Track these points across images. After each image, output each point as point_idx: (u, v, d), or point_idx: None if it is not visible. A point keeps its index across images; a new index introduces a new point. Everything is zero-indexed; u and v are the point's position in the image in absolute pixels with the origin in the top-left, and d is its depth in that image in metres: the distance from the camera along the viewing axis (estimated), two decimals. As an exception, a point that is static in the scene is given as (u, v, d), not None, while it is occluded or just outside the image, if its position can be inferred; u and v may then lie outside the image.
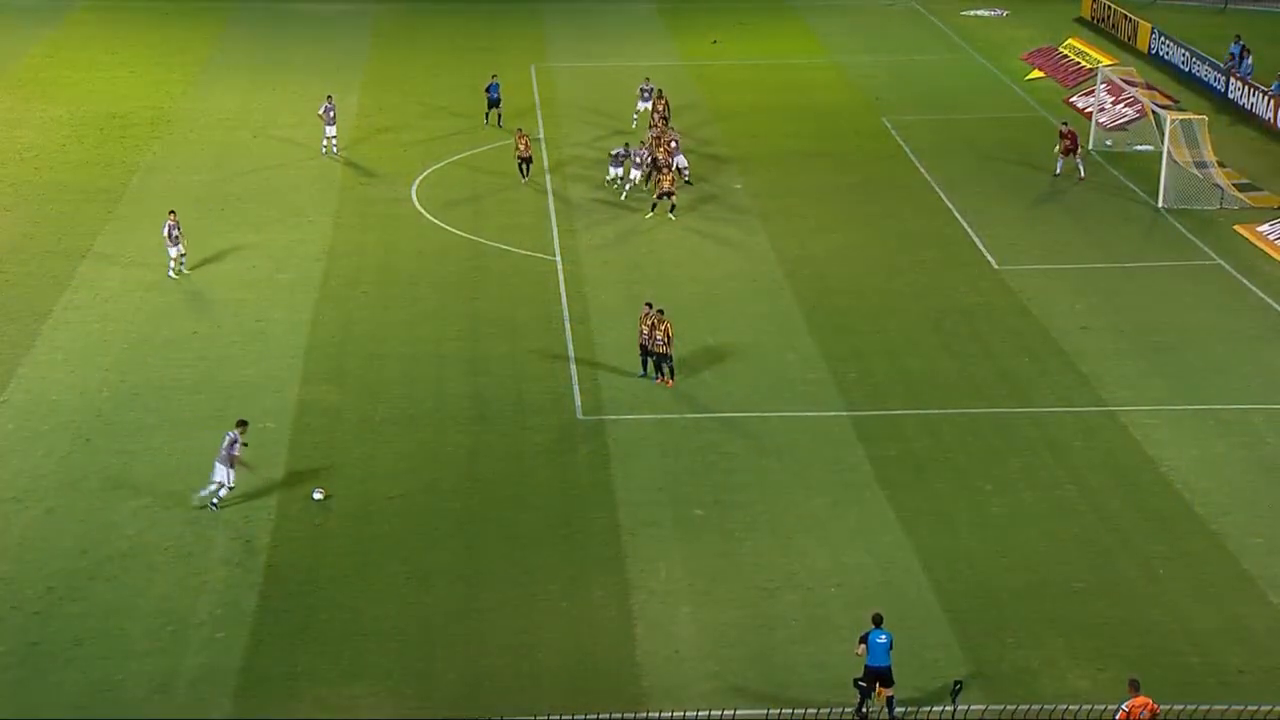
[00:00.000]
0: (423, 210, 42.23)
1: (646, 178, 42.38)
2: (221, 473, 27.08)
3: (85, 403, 31.04)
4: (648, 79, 49.21)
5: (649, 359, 31.77)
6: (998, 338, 34.22)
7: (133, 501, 27.50)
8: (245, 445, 27.33)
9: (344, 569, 25.74)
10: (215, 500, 27.14)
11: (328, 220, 41.33)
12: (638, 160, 42.63)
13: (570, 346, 33.57)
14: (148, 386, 31.75)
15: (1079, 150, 43.97)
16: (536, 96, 52.34)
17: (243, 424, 27.66)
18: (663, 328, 31.40)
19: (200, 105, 51.86)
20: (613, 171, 42.91)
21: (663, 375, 31.63)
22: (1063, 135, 44.40)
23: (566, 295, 36.37)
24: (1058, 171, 44.04)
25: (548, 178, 44.62)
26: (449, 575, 25.51)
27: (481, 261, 38.64)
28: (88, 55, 58.42)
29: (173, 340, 33.98)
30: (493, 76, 50.17)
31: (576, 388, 31.74)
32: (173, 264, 36.99)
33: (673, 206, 40.82)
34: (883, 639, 21.99)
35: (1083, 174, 43.85)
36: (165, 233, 36.94)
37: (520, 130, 44.75)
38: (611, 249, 39.47)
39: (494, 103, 48.96)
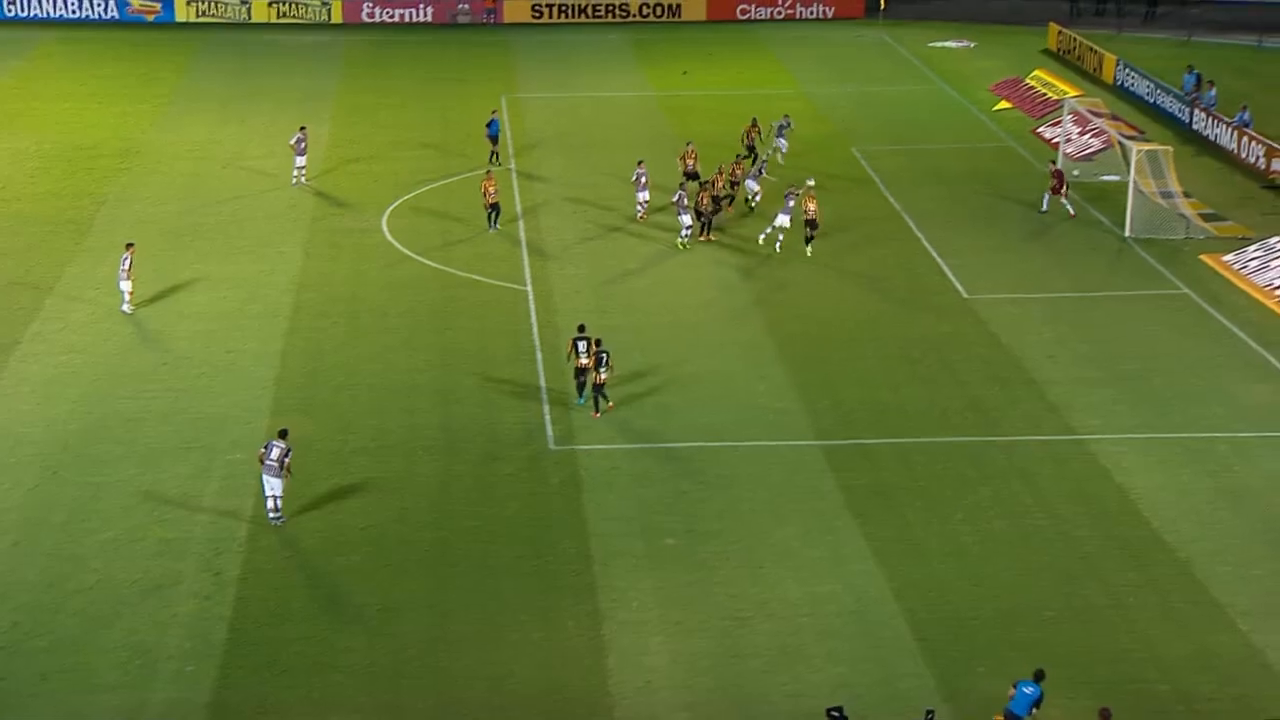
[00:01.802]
0: (393, 241, 42.22)
1: (708, 217, 41.58)
2: (274, 485, 27.25)
3: (52, 435, 30.85)
4: (786, 116, 48.98)
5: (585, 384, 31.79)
6: (967, 366, 34.41)
7: (100, 534, 27.33)
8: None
9: (314, 601, 25.63)
10: (279, 515, 27.38)
11: (298, 251, 41.28)
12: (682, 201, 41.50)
13: (542, 377, 33.58)
14: (116, 418, 31.59)
15: (1065, 189, 44.24)
16: (508, 128, 52.45)
17: (284, 433, 27.75)
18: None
19: (169, 136, 51.78)
20: (782, 220, 40.67)
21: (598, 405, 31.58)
22: (1051, 174, 44.80)
23: (538, 325, 36.40)
24: (1043, 209, 44.31)
25: (519, 208, 44.68)
26: (419, 606, 25.43)
27: (453, 292, 38.64)
28: (56, 86, 58.29)
29: (141, 372, 33.84)
30: (492, 113, 50.09)
31: (548, 418, 31.74)
32: (127, 299, 36.68)
33: (705, 227, 41.18)
34: (1029, 690, 21.54)
35: (1072, 212, 44.03)
36: (124, 267, 36.49)
37: (490, 172, 43.80)
38: (584, 279, 39.54)
39: (494, 140, 48.35)
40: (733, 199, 43.86)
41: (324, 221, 43.73)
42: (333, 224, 43.55)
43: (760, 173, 44.54)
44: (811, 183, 42.86)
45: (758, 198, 43.73)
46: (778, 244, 40.76)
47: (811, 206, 40.57)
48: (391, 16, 71.04)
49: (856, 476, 29.46)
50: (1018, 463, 30.01)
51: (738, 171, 44.29)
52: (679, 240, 41.16)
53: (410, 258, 40.96)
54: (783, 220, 40.78)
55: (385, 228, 43.26)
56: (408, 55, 64.71)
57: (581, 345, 31.66)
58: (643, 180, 43.12)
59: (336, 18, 70.55)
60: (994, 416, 32.01)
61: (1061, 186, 44.19)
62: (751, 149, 47.23)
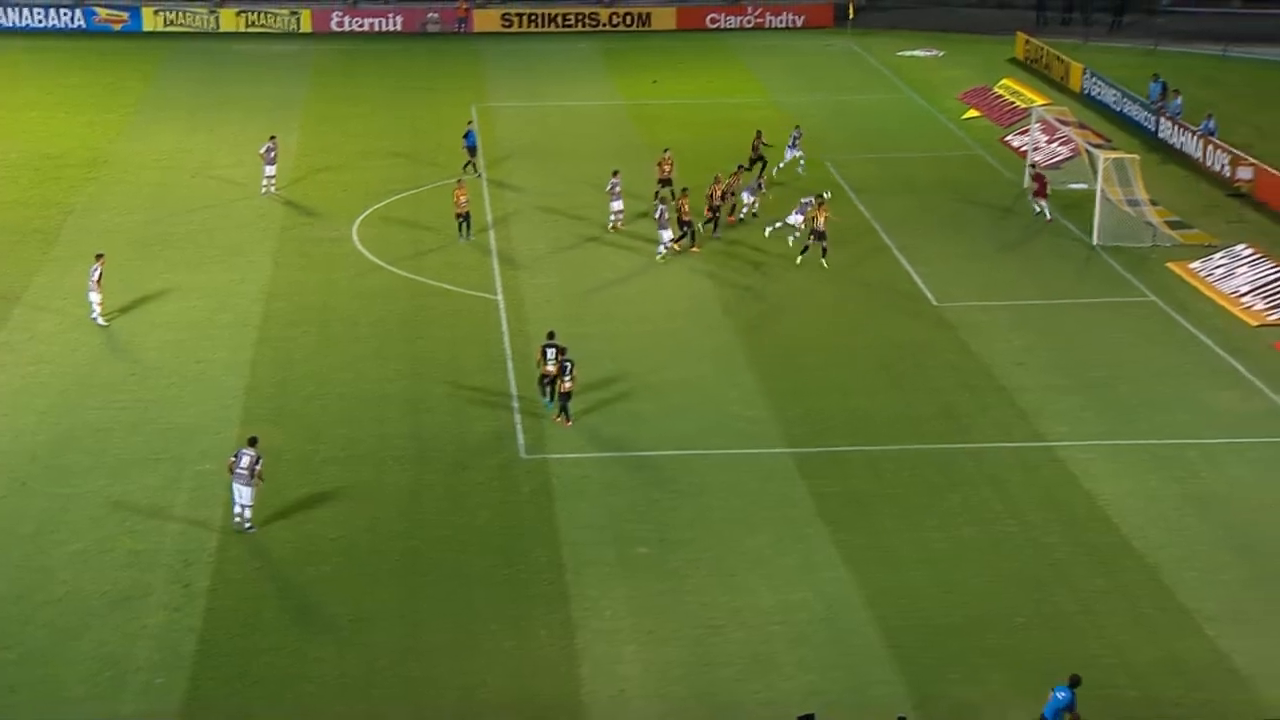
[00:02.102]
0: (363, 250, 42.15)
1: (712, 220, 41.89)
2: (245, 494, 27.17)
3: (20, 446, 30.67)
4: (797, 127, 48.90)
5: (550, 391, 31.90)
6: (937, 374, 34.58)
7: (69, 546, 27.17)
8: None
9: (285, 611, 25.55)
10: (250, 524, 27.29)
11: (267, 260, 41.16)
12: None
13: (513, 385, 33.58)
14: (84, 429, 31.43)
15: (1047, 194, 44.67)
16: (478, 137, 52.39)
17: (254, 440, 27.67)
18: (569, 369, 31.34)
19: (136, 145, 51.58)
20: (794, 219, 41.19)
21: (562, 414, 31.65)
22: (1034, 179, 45.17)
23: (509, 334, 36.39)
24: (1036, 212, 44.62)
25: (489, 218, 44.69)
26: (391, 616, 25.38)
27: (423, 301, 38.60)
28: (22, 95, 57.98)
29: (109, 382, 33.68)
30: (469, 123, 49.84)
31: (519, 427, 31.74)
32: (97, 309, 36.52)
33: (690, 236, 41.12)
34: (1061, 695, 21.58)
35: (1049, 216, 44.36)
36: (93, 277, 36.36)
37: (461, 182, 43.66)
38: (555, 288, 39.57)
39: (472, 151, 48.24)
40: (733, 208, 43.83)
41: (294, 231, 43.63)
42: (303, 233, 43.45)
43: (759, 186, 44.29)
44: (828, 195, 42.56)
45: (755, 210, 43.54)
46: (800, 258, 40.40)
47: (823, 218, 40.36)
48: (361, 26, 70.97)
49: (828, 484, 29.56)
50: (987, 469, 30.18)
51: (735, 183, 44.25)
52: (658, 254, 41.15)
53: (381, 267, 40.90)
54: (795, 219, 40.98)
55: (355, 237, 43.18)
56: (377, 64, 64.64)
57: (550, 352, 31.73)
58: (617, 190, 43.19)
59: (306, 27, 70.45)
60: (964, 424, 32.18)
61: (1044, 190, 44.57)
62: (756, 161, 47.00)
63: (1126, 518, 28.41)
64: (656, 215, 41.34)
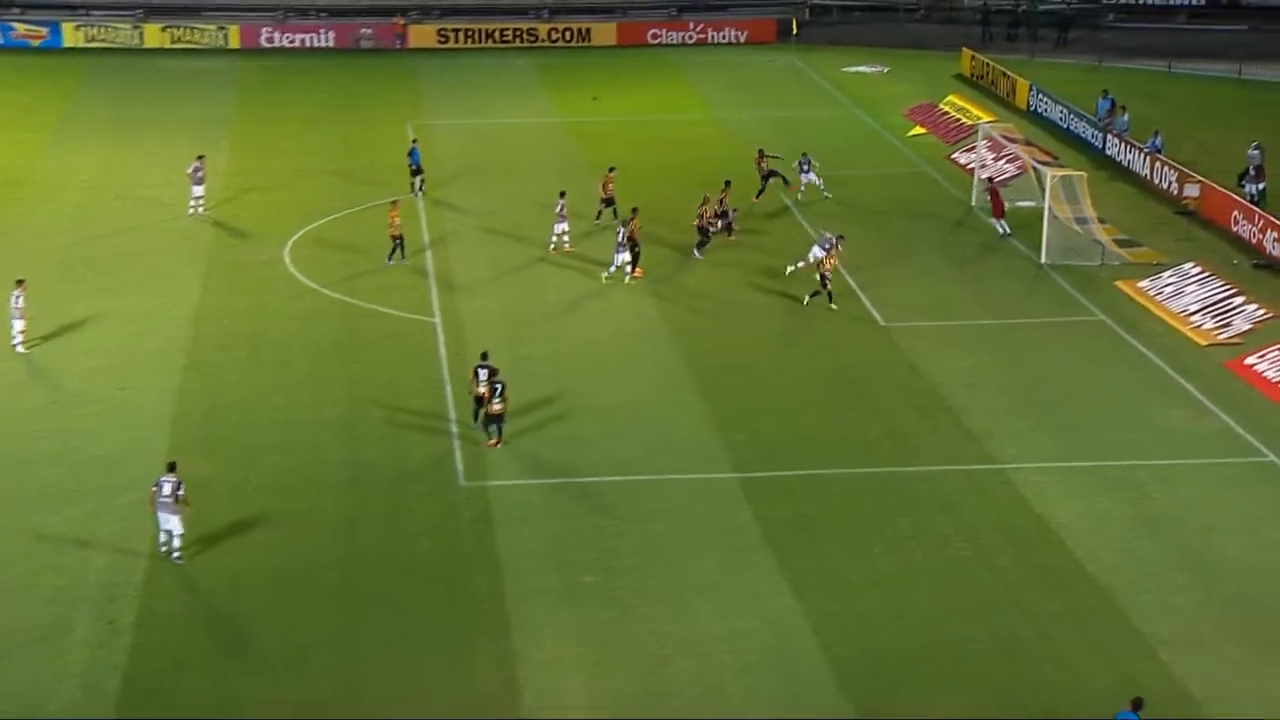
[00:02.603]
0: (295, 272, 41.88)
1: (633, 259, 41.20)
2: (172, 522, 26.84)
3: (-64, 477, 30.17)
4: (805, 154, 48.76)
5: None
6: (886, 395, 34.77)
7: (-13, 581, 26.73)
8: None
9: (215, 646, 25.24)
10: (178, 554, 26.97)
11: (195, 283, 40.80)
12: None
13: (451, 410, 33.43)
14: (3, 460, 30.96)
15: (1004, 212, 45.20)
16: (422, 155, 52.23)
17: (173, 466, 27.42)
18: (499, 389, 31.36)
19: (58, 165, 51.04)
20: (816, 254, 40.08)
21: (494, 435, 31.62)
22: (988, 193, 45.87)
23: (447, 357, 36.25)
24: (1001, 233, 45.00)
25: (426, 239, 44.53)
26: (327, 649, 25.13)
27: (358, 324, 38.38)
28: (-63, 114, 57.28)
29: (30, 410, 33.21)
30: (413, 141, 49.49)
31: (458, 452, 31.59)
32: (19, 337, 36.02)
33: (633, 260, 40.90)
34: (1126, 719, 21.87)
35: (1007, 231, 44.85)
36: (16, 304, 35.87)
37: (395, 202, 43.33)
38: (495, 309, 39.47)
39: (416, 170, 48.00)
40: (730, 228, 43.84)
41: (223, 253, 43.27)
42: (232, 255, 43.11)
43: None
44: (843, 242, 41.05)
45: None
46: (830, 302, 39.29)
47: (830, 264, 39.48)
48: (292, 41, 70.66)
49: (775, 509, 29.61)
50: (938, 492, 30.35)
51: (725, 201, 44.22)
52: (606, 275, 41.08)
53: (314, 290, 40.63)
54: (816, 254, 40.15)
55: (287, 259, 42.89)
56: (309, 81, 64.37)
57: (482, 373, 31.70)
58: (563, 211, 43.20)
59: (234, 43, 70.04)
60: (913, 446, 32.36)
61: (1001, 209, 45.02)
62: (768, 177, 46.95)
63: (1079, 540, 28.64)
64: (619, 237, 41.13)
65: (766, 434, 32.77)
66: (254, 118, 58.09)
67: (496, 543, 28.24)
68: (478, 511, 29.33)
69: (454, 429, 32.57)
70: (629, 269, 41.04)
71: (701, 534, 28.75)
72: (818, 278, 39.68)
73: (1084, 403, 34.56)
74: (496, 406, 31.40)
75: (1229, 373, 36.22)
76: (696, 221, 43.00)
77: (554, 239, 43.28)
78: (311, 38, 70.86)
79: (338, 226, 45.77)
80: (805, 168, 48.57)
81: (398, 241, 42.17)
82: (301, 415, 33.24)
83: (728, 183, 45.21)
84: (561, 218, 43.18)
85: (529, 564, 27.58)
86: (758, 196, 47.25)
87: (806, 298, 39.64)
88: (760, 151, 48.35)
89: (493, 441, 31.56)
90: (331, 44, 70.86)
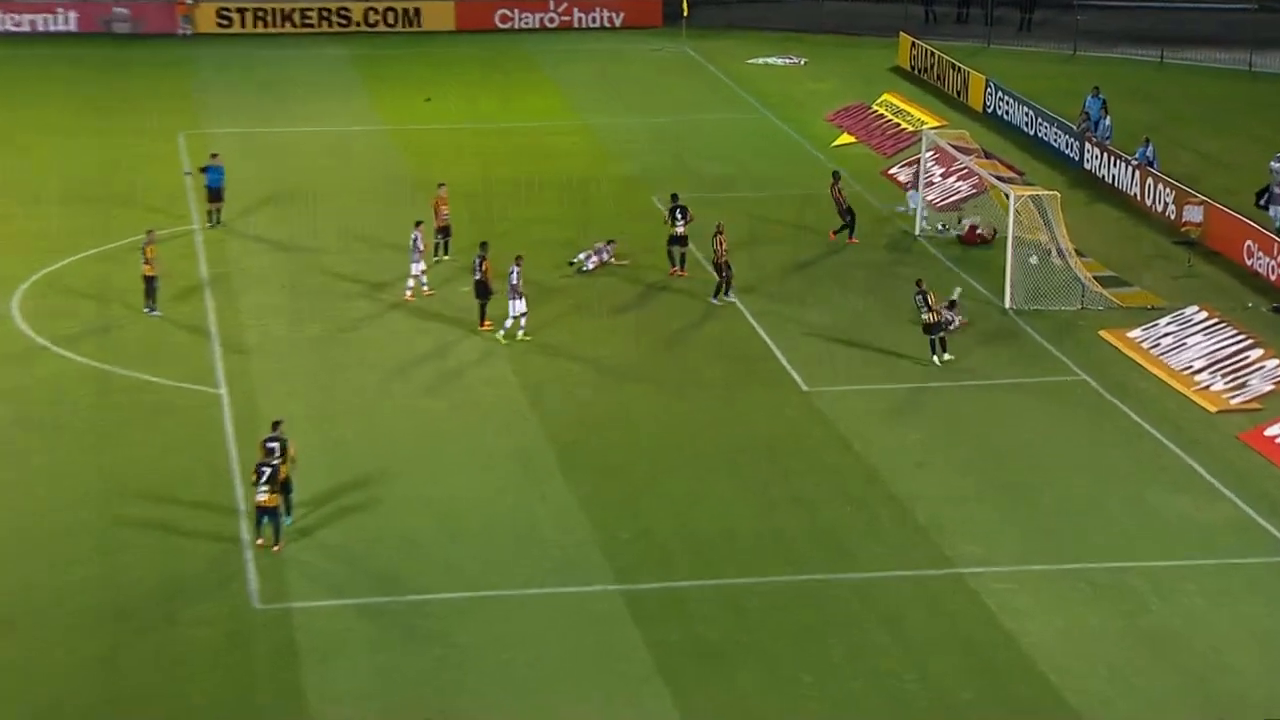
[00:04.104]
0: (26, 329, 41.47)
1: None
2: None
3: None
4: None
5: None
6: (811, 480, 35.16)
7: None
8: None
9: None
10: None
11: (-105, 345, 40.29)
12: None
13: (242, 508, 33.24)
14: None
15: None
16: (188, 176, 52.00)
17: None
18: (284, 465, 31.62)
19: None
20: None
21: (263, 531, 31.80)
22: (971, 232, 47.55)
23: (236, 438, 36.07)
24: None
25: (205, 279, 44.31)
26: (78, 832, 24.79)
27: (116, 398, 38.09)
28: None
29: None
30: (212, 156, 49.32)
31: (251, 565, 31.39)
32: None
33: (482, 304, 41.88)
34: None
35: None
36: None
37: (150, 232, 43.02)
38: (300, 375, 39.35)
39: (216, 194, 48.06)
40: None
41: (-68, 304, 42.78)
42: (-55, 307, 42.62)
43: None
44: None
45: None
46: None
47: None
48: (18, 24, 70.08)
49: (670, 630, 29.76)
50: (879, 606, 30.69)
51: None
52: (500, 333, 41.13)
53: (55, 353, 40.23)
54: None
55: (15, 311, 42.47)
56: (47, 77, 63.86)
57: (274, 448, 31.88)
58: (419, 246, 43.28)
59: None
60: (847, 546, 32.73)
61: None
62: (848, 212, 47.94)
63: (1059, 664, 29.08)
64: (511, 280, 41.14)
65: (657, 532, 32.96)
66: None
67: (303, 682, 28.06)
68: (278, 642, 29.12)
69: (244, 534, 32.37)
70: (514, 322, 41.19)
71: (574, 665, 28.79)
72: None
73: (1062, 487, 35.18)
74: (263, 495, 31.29)
75: (1244, 446, 37.04)
76: (714, 259, 43.88)
77: (410, 281, 43.35)
78: (45, 19, 70.32)
79: (87, 267, 45.40)
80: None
81: (150, 284, 42.01)
82: (40, 522, 32.80)
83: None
84: (418, 255, 43.31)
85: (346, 710, 27.41)
86: (841, 234, 47.88)
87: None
88: (835, 175, 48.97)
89: (273, 546, 31.45)
90: (74, 27, 70.44)
